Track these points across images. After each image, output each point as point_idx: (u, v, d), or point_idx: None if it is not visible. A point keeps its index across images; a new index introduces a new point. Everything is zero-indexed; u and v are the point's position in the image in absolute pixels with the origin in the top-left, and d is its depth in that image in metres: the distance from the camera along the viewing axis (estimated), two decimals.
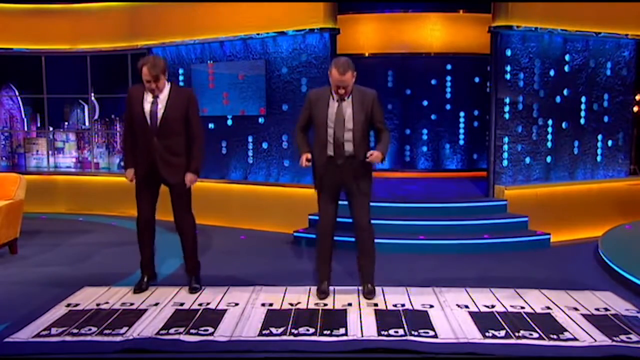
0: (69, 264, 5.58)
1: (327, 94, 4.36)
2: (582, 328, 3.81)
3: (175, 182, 4.49)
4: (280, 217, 7.07)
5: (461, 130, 9.28)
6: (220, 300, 4.37)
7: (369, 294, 4.46)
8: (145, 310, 4.15)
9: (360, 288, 4.58)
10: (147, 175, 4.49)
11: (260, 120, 7.44)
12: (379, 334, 3.70)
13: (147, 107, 4.38)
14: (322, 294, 4.48)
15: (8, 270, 5.37)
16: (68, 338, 3.63)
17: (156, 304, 4.28)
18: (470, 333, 3.73)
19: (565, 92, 7.15)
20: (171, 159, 4.43)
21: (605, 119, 7.45)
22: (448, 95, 9.20)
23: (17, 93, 9.38)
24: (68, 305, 4.27)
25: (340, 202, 4.53)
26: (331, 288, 4.66)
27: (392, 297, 4.46)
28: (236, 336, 3.67)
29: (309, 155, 4.38)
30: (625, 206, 7.32)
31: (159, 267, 5.45)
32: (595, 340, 3.60)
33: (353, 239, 6.14)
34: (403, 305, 4.29)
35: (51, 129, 9.24)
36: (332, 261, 4.65)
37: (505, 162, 6.94)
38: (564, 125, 7.21)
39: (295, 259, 5.74)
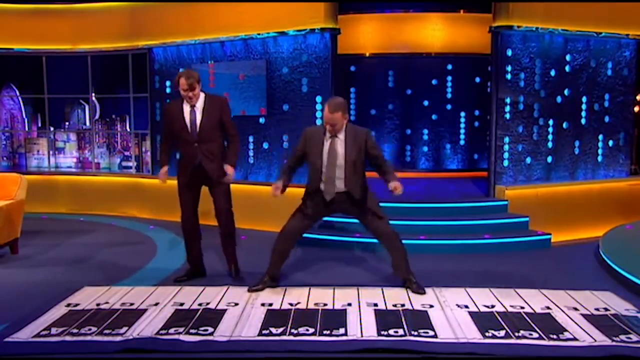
0: (69, 264, 5.58)
1: (321, 131, 4.59)
2: (582, 328, 3.81)
3: (219, 178, 4.84)
4: (280, 218, 7.03)
5: (462, 130, 9.27)
6: (220, 300, 4.38)
7: (420, 289, 4.58)
8: (145, 310, 4.15)
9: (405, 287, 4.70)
10: (190, 180, 4.84)
11: (261, 120, 7.44)
12: (379, 334, 3.70)
13: (187, 118, 4.75)
14: (258, 286, 4.67)
15: (8, 270, 5.37)
16: (68, 338, 3.63)
17: (156, 304, 4.28)
18: (470, 333, 3.73)
19: (566, 92, 7.14)
20: (213, 161, 4.81)
21: (606, 119, 7.44)
22: (449, 95, 9.20)
23: (18, 93, 9.38)
24: (68, 305, 4.27)
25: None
26: (331, 288, 4.66)
27: (392, 297, 4.47)
28: (236, 336, 3.67)
29: (279, 186, 4.67)
30: (626, 206, 7.31)
31: (160, 267, 5.47)
32: (595, 340, 3.60)
33: (352, 239, 6.21)
34: (403, 305, 4.29)
35: (52, 129, 9.25)
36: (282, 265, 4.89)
37: (506, 162, 6.93)
38: (564, 125, 7.20)
39: (295, 259, 5.72)
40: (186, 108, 4.77)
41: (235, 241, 5.14)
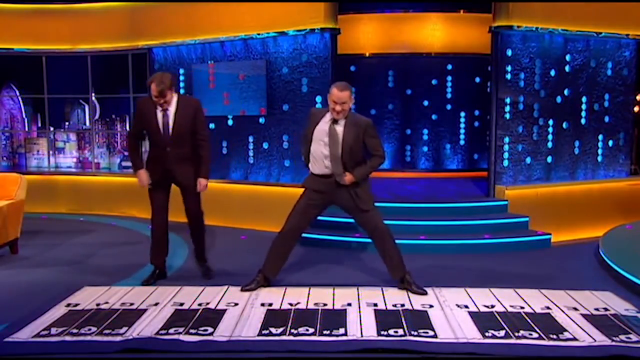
0: (69, 264, 5.58)
1: (323, 113, 4.58)
2: (581, 328, 3.81)
3: (189, 184, 4.79)
4: (280, 217, 7.02)
5: (462, 130, 9.28)
6: (219, 300, 4.37)
7: (419, 289, 4.54)
8: (145, 310, 4.15)
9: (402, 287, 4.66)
10: (160, 180, 4.77)
11: (261, 120, 7.44)
12: (379, 334, 3.70)
13: (159, 119, 4.64)
14: (251, 285, 4.64)
15: (8, 270, 5.37)
16: (68, 338, 3.63)
17: (156, 304, 4.28)
18: (470, 333, 3.73)
19: (566, 92, 7.14)
20: (184, 165, 4.73)
21: (606, 119, 7.44)
22: (449, 95, 9.20)
23: (18, 93, 9.38)
24: (68, 305, 4.27)
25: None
26: (330, 288, 4.66)
27: (392, 297, 4.46)
28: (236, 336, 3.67)
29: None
30: (626, 206, 7.31)
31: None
32: (595, 340, 3.60)
33: (352, 239, 6.21)
34: (403, 305, 4.29)
35: (52, 129, 9.25)
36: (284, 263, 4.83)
37: (505, 162, 6.93)
38: (564, 125, 7.20)
39: (295, 259, 5.73)
40: (159, 110, 4.64)
41: (205, 240, 5.12)
